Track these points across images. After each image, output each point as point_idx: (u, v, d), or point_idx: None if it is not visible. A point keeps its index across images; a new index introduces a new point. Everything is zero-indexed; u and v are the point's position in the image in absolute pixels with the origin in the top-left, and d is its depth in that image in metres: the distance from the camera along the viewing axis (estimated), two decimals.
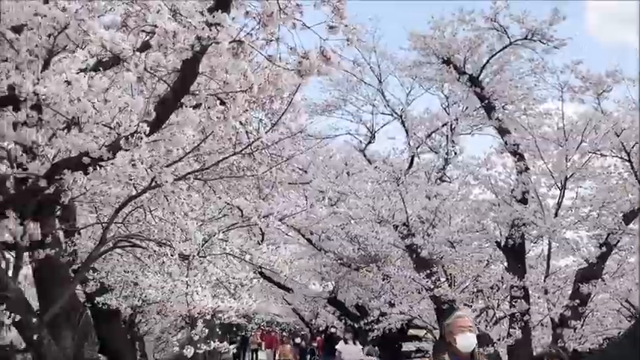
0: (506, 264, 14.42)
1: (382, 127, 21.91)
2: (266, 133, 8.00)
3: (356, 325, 21.67)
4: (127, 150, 5.47)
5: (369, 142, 22.00)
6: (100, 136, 6.14)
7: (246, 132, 8.86)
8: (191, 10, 4.66)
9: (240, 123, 8.26)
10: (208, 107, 5.76)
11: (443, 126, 19.88)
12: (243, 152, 8.13)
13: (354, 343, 16.07)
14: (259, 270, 22.48)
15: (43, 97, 5.39)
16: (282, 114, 7.85)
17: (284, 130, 9.31)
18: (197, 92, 5.28)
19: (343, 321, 26.87)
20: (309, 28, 4.83)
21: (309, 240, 21.63)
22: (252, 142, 7.92)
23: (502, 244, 13.67)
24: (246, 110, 7.75)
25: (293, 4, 4.81)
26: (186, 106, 5.66)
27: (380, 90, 20.66)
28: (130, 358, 14.73)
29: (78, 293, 15.79)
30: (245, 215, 8.99)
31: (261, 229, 19.49)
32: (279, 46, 5.24)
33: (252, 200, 10.03)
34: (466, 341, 5.48)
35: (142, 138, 5.18)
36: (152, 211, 9.30)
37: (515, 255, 13.62)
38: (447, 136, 19.48)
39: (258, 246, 9.16)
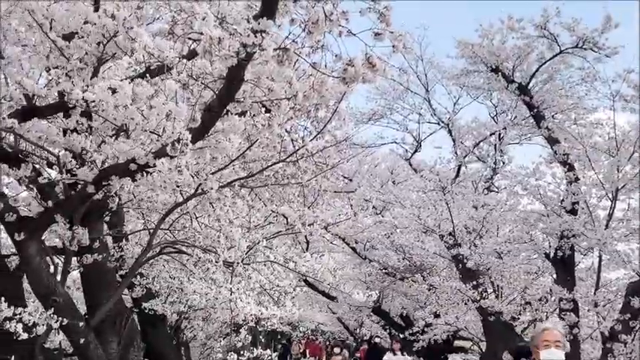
0: (555, 276, 14.13)
1: (429, 136, 21.83)
2: (311, 141, 7.98)
3: (401, 336, 21.50)
4: (172, 157, 5.51)
5: (415, 151, 21.89)
6: (146, 143, 6.23)
7: (292, 140, 8.88)
8: (237, 18, 4.69)
9: (286, 131, 8.28)
10: (253, 115, 5.78)
11: (491, 135, 19.67)
12: (288, 160, 8.14)
13: (402, 354, 15.72)
14: (303, 278, 22.61)
15: (92, 103, 5.48)
16: (327, 122, 7.81)
17: (329, 138, 9.29)
18: (242, 99, 5.30)
19: (388, 331, 26.74)
20: (354, 35, 4.80)
21: (353, 249, 21.58)
22: (297, 149, 7.92)
23: (551, 255, 13.41)
24: (291, 118, 7.78)
25: (339, 11, 4.78)
26: (231, 114, 5.69)
27: (426, 98, 20.58)
28: None
29: (125, 298, 16.03)
30: (290, 223, 8.99)
31: (305, 237, 19.58)
32: (325, 54, 5.23)
33: (297, 208, 10.02)
34: (550, 357, 5.11)
35: (187, 145, 5.21)
36: (198, 217, 9.39)
37: (564, 267, 13.34)
38: (495, 145, 19.26)
39: (302, 254, 9.13)
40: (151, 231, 8.31)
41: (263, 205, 10.52)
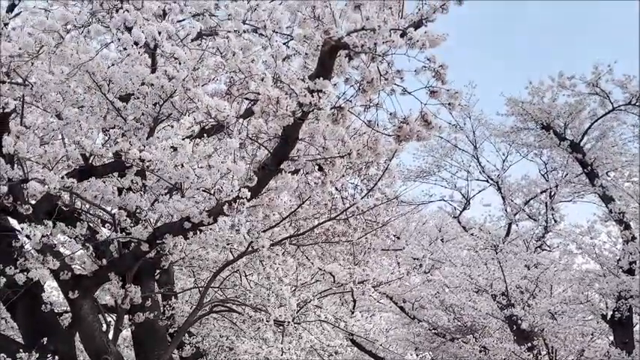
0: (612, 338, 13.66)
1: (477, 193, 21.56)
2: (361, 198, 7.97)
3: None
4: (228, 215, 5.54)
5: (464, 209, 21.63)
6: (200, 202, 6.28)
7: (342, 198, 8.88)
8: (293, 78, 4.74)
9: (336, 189, 8.29)
10: (307, 173, 5.79)
11: (542, 193, 19.40)
12: (338, 218, 8.12)
13: None
14: (351, 338, 22.28)
15: (148, 163, 5.57)
16: (378, 180, 7.83)
17: (379, 195, 9.27)
18: (297, 157, 5.33)
19: None
20: (409, 93, 4.80)
21: (402, 308, 21.23)
22: (348, 207, 7.91)
23: (608, 317, 12.97)
24: (343, 176, 7.79)
25: (394, 70, 4.80)
26: (285, 172, 5.71)
27: (475, 156, 20.43)
28: None
29: (174, 358, 15.97)
30: (337, 281, 8.93)
31: (352, 295, 19.35)
32: (378, 112, 5.24)
33: (345, 266, 9.96)
34: None
35: (244, 204, 5.23)
36: (247, 276, 9.37)
37: (622, 328, 12.89)
38: (547, 203, 18.96)
39: (352, 314, 9.02)
40: (202, 289, 8.31)
41: (311, 264, 10.49)
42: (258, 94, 4.38)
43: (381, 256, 17.95)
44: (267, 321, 7.53)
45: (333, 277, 8.84)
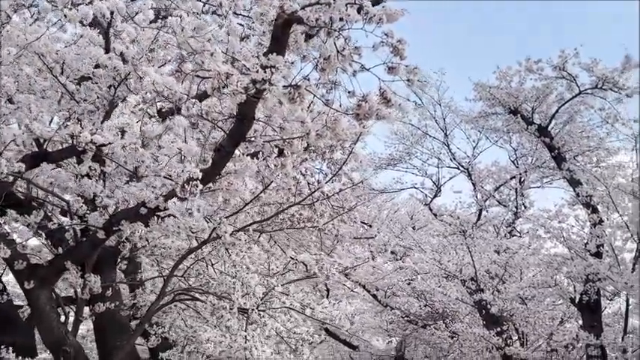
0: (581, 322, 13.71)
1: (448, 180, 21.59)
2: (326, 183, 7.84)
3: None
4: (183, 199, 5.37)
5: (435, 196, 21.64)
6: (158, 187, 6.10)
7: (308, 183, 8.74)
8: (247, 55, 4.58)
9: (301, 174, 8.15)
10: (266, 156, 5.64)
11: (511, 179, 19.47)
12: (304, 203, 7.98)
13: None
14: (324, 327, 22.23)
15: (105, 148, 5.38)
16: (343, 164, 7.69)
17: (346, 180, 9.15)
18: (253, 139, 5.17)
19: None
20: (367, 70, 4.66)
21: (374, 296, 21.27)
22: (313, 192, 7.77)
23: (576, 300, 13.01)
24: (306, 160, 7.65)
25: (351, 46, 4.66)
26: (243, 154, 5.55)
27: (445, 143, 20.45)
28: None
29: (142, 349, 15.77)
30: (310, 270, 8.82)
31: (326, 284, 19.30)
32: (338, 92, 5.10)
33: (313, 253, 9.85)
34: None
35: (197, 186, 5.07)
36: (214, 264, 9.20)
37: (590, 312, 12.92)
38: (516, 189, 19.05)
39: (320, 300, 8.89)
40: (165, 278, 8.14)
41: (282, 253, 10.35)
42: (210, 71, 4.22)
43: (353, 245, 17.91)
44: (230, 309, 7.38)
45: (306, 266, 8.71)
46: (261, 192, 7.28)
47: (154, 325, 10.22)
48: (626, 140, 14.09)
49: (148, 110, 4.58)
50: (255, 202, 7.58)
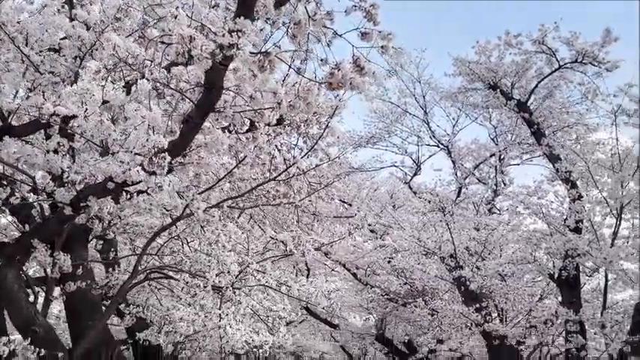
0: (560, 298, 13.71)
1: (428, 158, 21.55)
2: (302, 157, 7.66)
3: None
4: (151, 173, 5.20)
5: (415, 174, 21.59)
6: (126, 162, 5.89)
7: (284, 159, 8.56)
8: (214, 20, 4.38)
9: (277, 149, 7.97)
10: (237, 129, 5.46)
11: (491, 156, 19.44)
12: (279, 179, 7.80)
13: None
14: (305, 306, 22.14)
15: (67, 119, 5.18)
16: (319, 138, 7.50)
17: (323, 156, 8.97)
18: (223, 109, 4.98)
19: (391, 358, 26.21)
20: (340, 36, 4.49)
21: (354, 275, 21.24)
22: (289, 167, 7.59)
23: (555, 276, 12.98)
24: (280, 134, 7.47)
25: (322, 11, 4.48)
26: (213, 126, 5.37)
27: (425, 120, 20.35)
28: None
29: (119, 329, 15.60)
30: (288, 248, 8.68)
31: (306, 264, 19.20)
32: (312, 63, 4.92)
33: (290, 230, 9.71)
34: None
35: (165, 158, 4.89)
36: (190, 242, 9.02)
37: (569, 288, 12.90)
38: (496, 166, 19.02)
39: (298, 278, 8.74)
40: (137, 256, 7.95)
41: (262, 233, 10.19)
42: (173, 35, 4.01)
43: (333, 224, 17.80)
44: (204, 287, 7.22)
45: (285, 245, 8.56)
46: (234, 167, 7.09)
47: (131, 305, 10.07)
48: (605, 117, 14.01)
49: (110, 78, 4.37)
50: (228, 177, 7.39)
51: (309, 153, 7.75)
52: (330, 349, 34.50)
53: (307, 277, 18.48)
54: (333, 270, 22.80)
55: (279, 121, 7.45)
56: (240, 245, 8.95)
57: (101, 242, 9.94)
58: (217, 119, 5.26)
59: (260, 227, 10.91)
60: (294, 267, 17.75)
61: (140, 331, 10.48)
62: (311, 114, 6.60)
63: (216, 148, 5.65)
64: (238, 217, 9.58)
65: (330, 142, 8.67)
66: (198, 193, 7.01)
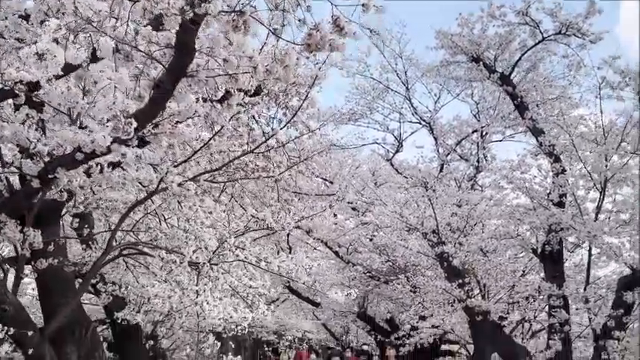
0: (543, 274, 13.62)
1: (410, 135, 21.42)
2: (281, 129, 7.42)
3: (386, 341, 21.03)
4: (120, 142, 4.95)
5: (397, 151, 21.42)
6: (96, 131, 5.62)
7: (263, 133, 8.32)
8: None
9: (254, 119, 7.74)
10: (211, 95, 5.20)
11: (473, 132, 19.30)
12: (257, 151, 7.56)
13: None
14: (287, 285, 22.04)
15: (32, 87, 4.89)
16: (299, 108, 7.28)
17: (303, 129, 8.75)
18: (195, 73, 4.71)
19: (373, 336, 26.27)
20: None
21: (336, 253, 21.17)
22: (267, 139, 7.35)
23: (539, 251, 12.87)
24: (258, 103, 7.21)
25: None
26: (186, 92, 5.11)
27: (407, 97, 20.12)
28: None
29: (98, 309, 15.34)
30: (268, 223, 8.46)
31: (288, 242, 19.04)
32: (290, 28, 4.67)
33: (268, 204, 9.51)
34: None
35: (131, 124, 4.63)
36: (167, 219, 8.77)
37: (552, 262, 12.81)
38: (478, 143, 18.89)
39: (277, 254, 8.54)
40: (111, 232, 7.68)
41: (244, 212, 9.95)
42: None
43: (315, 202, 17.65)
44: (180, 262, 6.98)
45: (267, 223, 8.36)
46: (210, 139, 6.85)
47: (108, 284, 9.83)
48: (588, 91, 13.88)
49: (72, 38, 4.09)
50: (205, 150, 7.14)
51: (289, 125, 7.53)
52: (313, 328, 34.53)
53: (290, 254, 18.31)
54: (315, 249, 22.73)
55: (257, 91, 7.20)
56: (220, 224, 8.72)
57: (77, 220, 9.67)
58: (190, 85, 4.98)
59: (241, 206, 10.69)
60: (276, 246, 17.59)
61: (118, 310, 10.25)
62: (290, 81, 6.32)
63: (189, 116, 5.40)
64: (219, 197, 9.36)
65: (310, 114, 8.45)
66: (174, 166, 6.77)
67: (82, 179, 6.43)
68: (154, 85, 4.74)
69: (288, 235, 16.60)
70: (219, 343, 7.98)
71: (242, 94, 5.12)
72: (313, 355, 24.79)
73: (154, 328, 13.43)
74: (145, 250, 7.65)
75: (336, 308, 25.15)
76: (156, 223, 8.52)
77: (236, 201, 10.64)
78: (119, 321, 10.26)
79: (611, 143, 11.61)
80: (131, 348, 12.83)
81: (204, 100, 5.53)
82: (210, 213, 8.14)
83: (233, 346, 19.08)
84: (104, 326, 15.51)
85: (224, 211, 9.02)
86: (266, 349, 36.30)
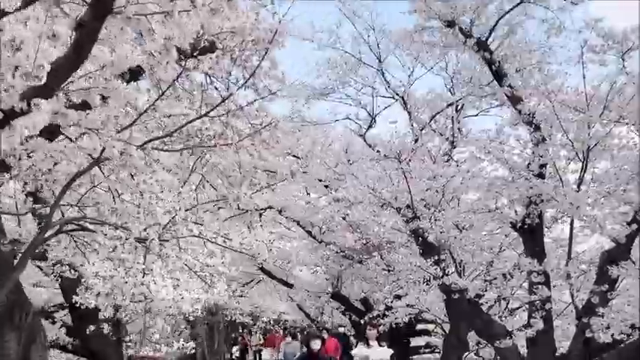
0: (521, 250, 13.08)
1: (383, 109, 20.74)
2: (238, 89, 6.70)
3: (361, 321, 20.60)
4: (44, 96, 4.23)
5: (370, 127, 20.79)
6: (17, 86, 4.87)
7: (221, 96, 7.60)
8: None
9: (207, 75, 7.03)
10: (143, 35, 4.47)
11: (448, 106, 18.73)
12: (213, 115, 6.84)
13: (380, 345, 12.82)
14: (260, 266, 21.46)
15: None
16: (257, 66, 6.56)
17: (266, 93, 8.01)
18: (123, 8, 3.97)
19: (348, 316, 25.91)
20: None
21: (309, 232, 20.71)
22: (223, 100, 6.64)
23: (518, 225, 12.29)
24: (211, 58, 6.50)
25: None
26: (116, 37, 4.38)
27: (380, 71, 19.47)
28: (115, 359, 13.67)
29: (54, 292, 14.57)
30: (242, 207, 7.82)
31: (260, 221, 18.40)
32: None
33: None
34: None
35: (56, 75, 3.92)
36: (121, 195, 8.05)
37: (532, 237, 12.24)
38: (452, 117, 18.37)
39: (239, 230, 7.83)
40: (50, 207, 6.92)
41: (215, 192, 9.31)
42: None
43: (287, 182, 17.18)
44: (126, 239, 6.26)
45: (238, 204, 7.68)
46: (157, 99, 6.11)
47: (57, 265, 9.14)
48: (569, 60, 13.20)
49: None
50: (151, 113, 6.40)
51: (247, 85, 6.78)
52: (289, 309, 34.10)
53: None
54: (288, 229, 22.22)
55: (211, 49, 6.49)
56: (170, 197, 8.02)
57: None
58: (122, 28, 4.25)
59: (212, 186, 10.07)
60: (248, 227, 16.97)
61: (74, 293, 9.58)
62: (245, 34, 5.63)
63: (124, 66, 4.66)
64: (189, 177, 8.71)
65: (272, 75, 7.70)
66: (117, 132, 6.03)
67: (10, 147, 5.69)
68: (77, 24, 4.00)
69: (260, 215, 15.97)
70: (168, 327, 7.33)
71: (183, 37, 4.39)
72: (289, 338, 24.38)
73: (115, 312, 12.74)
74: (88, 226, 6.91)
75: (309, 289, 24.69)
76: (106, 198, 7.80)
77: (207, 181, 10.02)
78: (77, 305, 9.59)
79: (594, 110, 11.02)
80: (91, 333, 12.26)
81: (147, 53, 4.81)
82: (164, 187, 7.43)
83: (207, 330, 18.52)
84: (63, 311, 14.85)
85: (192, 191, 8.35)
86: (240, 331, 35.89)
